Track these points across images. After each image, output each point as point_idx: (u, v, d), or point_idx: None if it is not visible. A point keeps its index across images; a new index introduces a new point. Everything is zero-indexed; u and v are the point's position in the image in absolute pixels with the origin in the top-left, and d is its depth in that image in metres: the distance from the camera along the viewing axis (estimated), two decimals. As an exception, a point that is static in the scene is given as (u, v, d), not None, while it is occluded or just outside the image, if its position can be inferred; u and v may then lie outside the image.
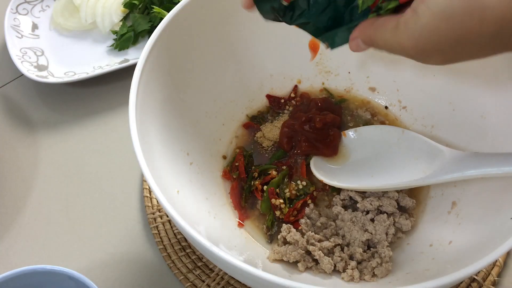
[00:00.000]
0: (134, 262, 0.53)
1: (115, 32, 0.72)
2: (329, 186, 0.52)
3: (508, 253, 0.52)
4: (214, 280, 0.51)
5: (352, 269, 0.46)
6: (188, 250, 0.53)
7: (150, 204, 0.57)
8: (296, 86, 0.62)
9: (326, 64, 0.61)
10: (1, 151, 0.63)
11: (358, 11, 0.35)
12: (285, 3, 0.38)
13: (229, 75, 0.58)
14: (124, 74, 0.69)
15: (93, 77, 0.66)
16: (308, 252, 0.47)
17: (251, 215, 0.53)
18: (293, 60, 0.60)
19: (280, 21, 0.40)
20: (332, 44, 0.39)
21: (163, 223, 0.55)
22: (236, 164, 0.55)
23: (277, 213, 0.52)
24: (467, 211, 0.47)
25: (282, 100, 0.61)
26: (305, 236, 0.48)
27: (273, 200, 0.52)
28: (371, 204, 0.50)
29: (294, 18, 0.39)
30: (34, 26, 0.74)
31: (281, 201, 0.52)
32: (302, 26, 0.40)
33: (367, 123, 0.59)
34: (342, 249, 0.48)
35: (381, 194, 0.51)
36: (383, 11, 0.33)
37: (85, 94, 0.68)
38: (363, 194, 0.51)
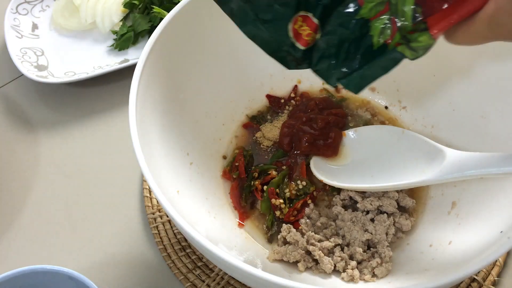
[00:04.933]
0: (134, 262, 0.53)
1: (115, 32, 0.72)
2: (329, 186, 0.52)
3: (508, 253, 0.52)
4: (214, 280, 0.51)
5: (352, 269, 0.46)
6: (188, 250, 0.53)
7: (150, 204, 0.57)
8: (296, 86, 0.62)
9: (326, 64, 0.61)
10: (1, 151, 0.63)
11: (373, 47, 0.35)
12: (301, 48, 0.38)
13: (229, 75, 0.58)
14: (124, 74, 0.69)
15: (93, 77, 0.66)
16: (308, 252, 0.47)
17: (251, 215, 0.53)
18: (293, 60, 0.60)
19: (303, 67, 0.40)
20: (357, 89, 0.39)
21: (163, 223, 0.55)
22: (236, 164, 0.55)
23: (277, 213, 0.52)
24: (467, 211, 0.47)
25: (282, 100, 0.61)
26: (305, 236, 0.48)
27: (273, 200, 0.52)
28: (371, 204, 0.50)
29: (314, 63, 0.39)
30: (34, 26, 0.74)
31: (281, 201, 0.52)
32: (321, 73, 0.39)
33: (367, 123, 0.59)
34: (342, 249, 0.48)
35: (381, 194, 0.51)
36: (415, 44, 0.33)
37: (85, 94, 0.68)
38: (363, 194, 0.51)
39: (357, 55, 0.36)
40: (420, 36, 0.32)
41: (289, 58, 0.40)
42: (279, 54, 0.40)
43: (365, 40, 0.35)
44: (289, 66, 0.41)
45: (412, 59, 0.35)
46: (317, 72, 0.40)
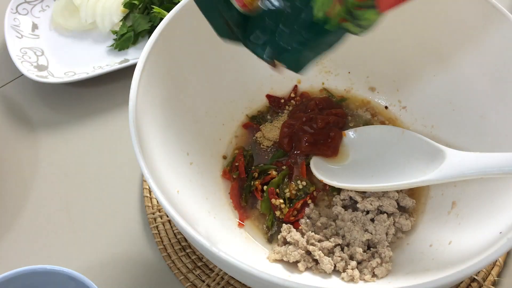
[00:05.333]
0: (134, 262, 0.53)
1: (115, 32, 0.72)
2: (329, 186, 0.52)
3: (508, 253, 0.52)
4: (214, 280, 0.51)
5: (352, 269, 0.46)
6: (188, 250, 0.53)
7: (150, 204, 0.57)
8: (296, 86, 0.62)
9: (326, 64, 0.61)
10: (1, 151, 0.63)
11: (313, 19, 0.32)
12: (238, 7, 0.35)
13: (229, 75, 0.58)
14: (124, 74, 0.69)
15: (93, 77, 0.66)
16: (308, 252, 0.47)
17: (251, 215, 0.53)
18: (293, 60, 0.60)
19: (236, 39, 0.37)
20: (298, 68, 0.36)
21: (163, 223, 0.55)
22: (236, 164, 0.55)
23: (277, 213, 0.52)
24: (467, 211, 0.47)
25: (282, 100, 0.61)
26: (305, 236, 0.48)
27: (273, 200, 0.52)
28: (371, 204, 0.50)
29: (248, 33, 0.36)
30: (34, 26, 0.74)
31: (281, 201, 0.52)
32: (255, 49, 0.36)
33: (367, 123, 0.59)
34: (342, 249, 0.48)
35: (381, 194, 0.51)
36: (362, 22, 0.31)
37: (85, 94, 0.68)
38: (363, 194, 0.51)
39: (297, 29, 0.34)
40: (367, 14, 0.31)
41: (222, 21, 0.36)
42: (212, 13, 0.37)
43: (306, 12, 0.33)
44: (221, 33, 0.37)
45: (359, 35, 0.33)
46: (250, 44, 0.36)
